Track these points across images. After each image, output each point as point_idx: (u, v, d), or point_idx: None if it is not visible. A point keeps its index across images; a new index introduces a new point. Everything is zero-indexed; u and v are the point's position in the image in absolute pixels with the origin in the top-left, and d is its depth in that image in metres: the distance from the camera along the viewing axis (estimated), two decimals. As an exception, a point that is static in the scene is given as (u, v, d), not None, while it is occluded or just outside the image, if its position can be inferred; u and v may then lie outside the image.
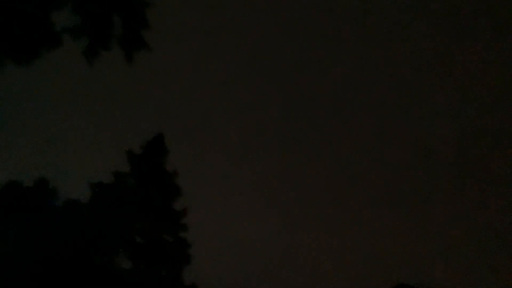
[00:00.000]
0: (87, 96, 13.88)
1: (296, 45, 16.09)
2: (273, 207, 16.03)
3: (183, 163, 14.41)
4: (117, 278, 14.95)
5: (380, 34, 15.94)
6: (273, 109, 16.27)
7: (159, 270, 15.24)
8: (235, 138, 16.00)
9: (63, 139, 14.01)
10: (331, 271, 14.95)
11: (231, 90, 15.97)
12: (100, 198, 14.75)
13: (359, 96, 16.26)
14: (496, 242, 14.96)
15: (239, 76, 15.94)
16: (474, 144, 15.75)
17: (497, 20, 15.66)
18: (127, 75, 12.72)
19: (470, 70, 16.08)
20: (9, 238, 14.29)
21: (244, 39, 15.89)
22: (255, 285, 14.81)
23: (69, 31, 11.15)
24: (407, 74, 16.17)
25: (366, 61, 16.04)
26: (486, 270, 14.38)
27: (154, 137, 14.81)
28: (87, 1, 11.31)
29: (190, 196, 14.59)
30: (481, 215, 15.26)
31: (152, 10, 11.68)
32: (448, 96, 16.20)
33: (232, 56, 15.79)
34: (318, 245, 15.35)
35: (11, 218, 14.44)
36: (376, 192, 15.85)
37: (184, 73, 15.27)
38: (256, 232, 15.73)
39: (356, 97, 16.28)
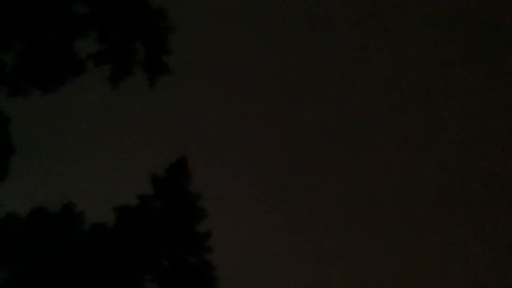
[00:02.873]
0: (111, 121, 14.12)
1: (323, 69, 16.20)
2: (300, 229, 16.02)
3: (207, 185, 14.52)
4: (143, 301, 15.04)
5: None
6: (300, 132, 16.33)
7: (185, 293, 15.31)
8: (259, 160, 16.09)
9: (87, 163, 14.24)
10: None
11: (254, 113, 16.11)
12: (125, 222, 14.91)
13: (376, 105, 16.27)
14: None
15: (263, 99, 16.08)
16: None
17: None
18: (150, 100, 12.94)
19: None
20: (37, 264, 14.47)
21: (268, 61, 16.06)
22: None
23: (93, 58, 11.46)
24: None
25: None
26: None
27: (177, 160, 14.96)
28: (110, 28, 11.61)
29: (214, 218, 14.68)
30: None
31: (173, 36, 11.95)
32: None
33: (256, 79, 15.95)
34: (348, 271, 15.27)
35: (38, 245, 14.63)
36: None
37: (207, 96, 15.46)
38: (282, 254, 15.74)
39: (373, 105, 16.30)
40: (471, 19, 15.83)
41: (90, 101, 12.80)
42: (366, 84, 16.19)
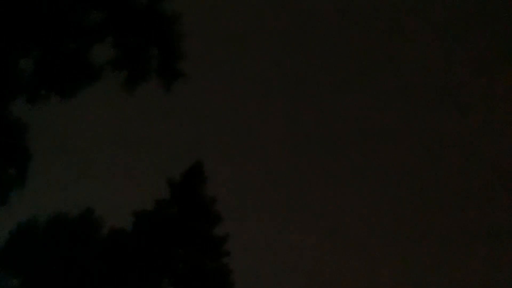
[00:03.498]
0: (128, 126, 14.26)
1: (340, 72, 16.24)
2: (320, 232, 16.01)
3: (223, 189, 14.60)
4: (162, 306, 15.11)
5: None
6: (321, 135, 16.34)
7: (203, 297, 15.36)
8: (276, 164, 16.14)
9: (105, 168, 14.38)
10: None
11: (272, 116, 16.17)
12: (143, 227, 15.01)
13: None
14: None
15: (281, 102, 16.13)
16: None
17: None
18: (165, 105, 13.06)
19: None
20: (57, 269, 14.60)
21: (285, 64, 16.13)
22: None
23: (109, 64, 11.60)
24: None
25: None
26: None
27: (193, 165, 15.05)
28: (125, 35, 11.76)
29: (231, 222, 14.74)
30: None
31: (188, 41, 12.07)
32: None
33: (273, 83, 16.03)
34: (370, 273, 15.23)
35: (58, 250, 14.77)
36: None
37: (223, 100, 15.56)
38: (299, 256, 15.73)
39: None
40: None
41: (106, 107, 12.95)
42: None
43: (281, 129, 16.01)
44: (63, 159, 13.88)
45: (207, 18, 13.85)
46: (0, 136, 11.80)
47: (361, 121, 16.12)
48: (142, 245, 15.07)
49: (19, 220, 14.19)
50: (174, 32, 11.93)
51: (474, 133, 15.78)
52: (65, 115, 12.47)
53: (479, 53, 15.97)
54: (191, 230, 15.37)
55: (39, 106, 11.75)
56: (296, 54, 16.02)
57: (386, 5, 15.82)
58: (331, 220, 15.92)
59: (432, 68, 16.09)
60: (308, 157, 16.05)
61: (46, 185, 13.54)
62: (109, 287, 14.45)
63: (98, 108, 12.94)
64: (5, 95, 11.53)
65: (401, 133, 15.72)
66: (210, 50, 14.32)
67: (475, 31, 15.85)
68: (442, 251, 14.98)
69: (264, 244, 15.68)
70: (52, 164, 13.46)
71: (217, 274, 15.39)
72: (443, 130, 15.96)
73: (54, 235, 14.69)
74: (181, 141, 14.96)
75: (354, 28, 15.85)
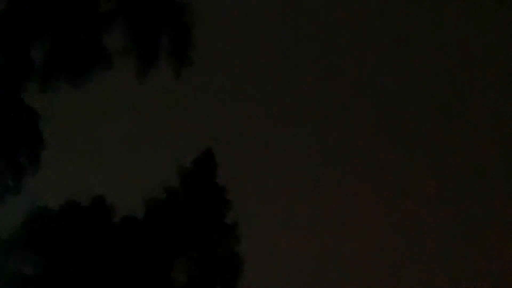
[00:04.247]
0: (139, 114, 14.34)
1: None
2: (329, 221, 16.06)
3: (234, 176, 14.68)
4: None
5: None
6: (328, 125, 16.36)
7: (214, 284, 15.46)
8: (285, 150, 16.18)
9: (116, 156, 14.48)
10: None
11: (282, 104, 16.19)
12: (154, 214, 15.12)
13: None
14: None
15: (290, 89, 16.15)
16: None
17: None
18: (176, 92, 13.11)
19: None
20: (69, 256, 14.76)
21: (294, 51, 16.14)
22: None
23: (120, 52, 11.67)
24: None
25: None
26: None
27: (203, 152, 15.11)
28: (136, 23, 11.83)
29: (242, 210, 14.82)
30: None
31: (198, 29, 12.12)
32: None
33: (282, 71, 16.03)
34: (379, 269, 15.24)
35: (70, 237, 14.91)
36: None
37: (233, 87, 15.61)
38: (310, 245, 15.80)
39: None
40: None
41: (117, 94, 13.02)
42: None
43: (295, 116, 16.04)
44: (75, 147, 13.99)
45: (218, 5, 13.86)
46: (13, 124, 11.91)
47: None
48: (154, 232, 15.20)
49: (32, 207, 14.35)
50: (185, 19, 11.99)
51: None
52: (77, 104, 12.56)
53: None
54: (202, 217, 15.46)
55: (50, 95, 11.84)
56: (306, 44, 16.04)
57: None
58: (345, 211, 15.98)
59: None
60: (322, 145, 16.08)
61: (58, 173, 13.66)
62: (121, 273, 14.60)
63: (110, 96, 13.00)
64: (17, 84, 11.63)
65: (407, 133, 15.79)
66: (221, 37, 14.34)
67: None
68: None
69: (276, 232, 15.76)
70: (64, 152, 13.57)
71: (229, 261, 15.50)
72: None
73: (66, 222, 14.84)
74: (192, 128, 15.03)
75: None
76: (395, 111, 16.11)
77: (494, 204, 15.23)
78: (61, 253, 14.48)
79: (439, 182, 15.65)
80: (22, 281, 14.29)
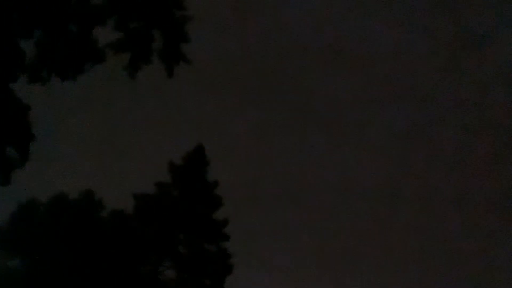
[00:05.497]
0: (130, 109, 14.24)
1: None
2: (322, 216, 16.03)
3: (224, 173, 14.62)
4: (162, 287, 15.20)
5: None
6: (316, 123, 16.32)
7: (203, 280, 15.44)
8: (277, 149, 16.14)
9: (106, 150, 14.38)
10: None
11: (273, 101, 16.14)
12: (143, 209, 15.05)
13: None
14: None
15: (282, 88, 16.10)
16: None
17: None
18: (167, 89, 13.01)
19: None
20: (57, 249, 14.67)
21: (287, 50, 16.06)
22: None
23: (112, 47, 11.49)
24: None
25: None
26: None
27: (194, 148, 15.04)
28: (128, 17, 11.63)
29: (231, 207, 14.78)
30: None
31: (191, 25, 11.93)
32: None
33: (274, 68, 15.97)
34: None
35: (59, 230, 14.82)
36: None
37: (225, 84, 15.52)
38: (299, 241, 15.77)
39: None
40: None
41: (108, 89, 12.90)
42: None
43: (285, 114, 16.00)
44: (65, 140, 13.89)
45: (212, 1, 13.75)
46: (2, 117, 11.74)
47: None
48: (143, 227, 15.13)
49: (20, 200, 14.24)
50: (178, 15, 11.80)
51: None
52: (68, 97, 12.43)
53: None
54: (191, 213, 15.41)
55: (40, 88, 11.67)
56: (300, 41, 15.97)
57: None
58: (331, 203, 15.97)
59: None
60: (310, 144, 16.06)
61: (47, 165, 13.55)
62: (109, 267, 14.53)
63: (100, 90, 12.89)
64: (6, 76, 11.45)
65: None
66: (214, 34, 14.24)
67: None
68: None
69: (264, 229, 15.73)
70: (54, 145, 13.46)
71: (217, 258, 15.46)
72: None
73: (55, 215, 14.76)
74: (183, 125, 14.96)
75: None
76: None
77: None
78: (50, 246, 14.42)
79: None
80: (9, 274, 14.23)
